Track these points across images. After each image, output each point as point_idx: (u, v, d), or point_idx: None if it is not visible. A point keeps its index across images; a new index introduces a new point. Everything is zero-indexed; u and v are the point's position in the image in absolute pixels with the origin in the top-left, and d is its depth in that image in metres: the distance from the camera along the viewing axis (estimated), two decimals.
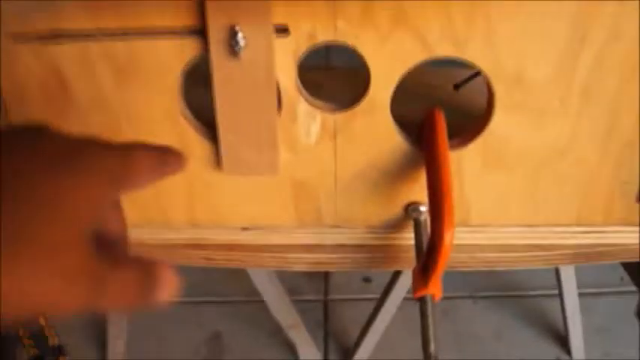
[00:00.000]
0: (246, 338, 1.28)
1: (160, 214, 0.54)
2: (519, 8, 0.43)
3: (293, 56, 0.46)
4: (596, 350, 1.26)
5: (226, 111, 0.48)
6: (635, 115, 0.48)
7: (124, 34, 0.45)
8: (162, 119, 0.49)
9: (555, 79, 0.46)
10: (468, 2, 0.43)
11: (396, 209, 0.54)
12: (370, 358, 1.22)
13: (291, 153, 0.51)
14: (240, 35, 0.43)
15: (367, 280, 1.38)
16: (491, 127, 0.49)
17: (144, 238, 0.55)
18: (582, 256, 0.57)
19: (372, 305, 1.15)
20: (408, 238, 0.55)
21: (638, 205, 0.53)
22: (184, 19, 0.44)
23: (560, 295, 1.22)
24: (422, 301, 0.47)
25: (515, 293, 1.36)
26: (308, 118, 0.49)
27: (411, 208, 0.53)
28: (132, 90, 0.48)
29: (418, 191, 0.53)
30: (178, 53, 0.46)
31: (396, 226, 0.55)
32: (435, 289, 0.47)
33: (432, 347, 0.45)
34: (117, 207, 0.33)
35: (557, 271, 1.20)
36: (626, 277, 1.32)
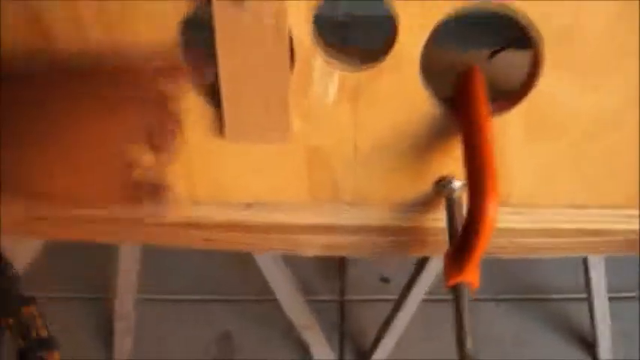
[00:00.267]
0: (258, 338, 1.24)
1: None
2: None
3: (307, 2, 0.41)
4: (624, 357, 1.20)
5: (230, 68, 0.43)
6: None
7: None
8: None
9: (613, 33, 0.42)
10: None
11: (424, 185, 0.49)
12: None
13: (305, 117, 0.46)
14: None
15: (385, 280, 1.33)
16: (538, 89, 0.45)
17: (139, 216, 0.50)
18: (632, 245, 0.52)
19: (390, 306, 1.12)
20: (438, 219, 0.50)
21: None
22: None
23: (589, 299, 1.17)
24: (456, 290, 0.41)
25: (539, 296, 1.30)
26: (325, 77, 0.45)
27: (442, 184, 0.48)
28: (124, 47, 0.43)
29: (451, 164, 0.48)
30: (175, 3, 0.41)
31: (424, 204, 0.50)
32: (471, 275, 0.41)
33: (469, 345, 0.38)
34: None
35: (586, 273, 1.14)
36: None
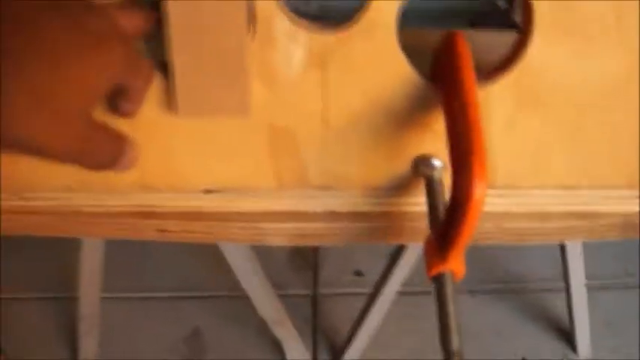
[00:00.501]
0: (230, 336, 1.25)
1: (101, 174, 0.43)
2: None
3: None
4: (603, 346, 1.24)
5: (179, 31, 0.38)
6: None
7: None
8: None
9: None
10: None
11: (402, 165, 0.44)
12: (362, 358, 1.18)
13: (267, 89, 0.42)
14: None
15: (359, 273, 1.35)
16: (528, 57, 0.41)
17: (81, 204, 0.45)
18: (632, 228, 0.48)
19: (364, 300, 1.13)
20: (417, 203, 0.45)
21: None
22: None
23: (567, 289, 1.19)
24: (438, 281, 0.37)
25: (515, 286, 1.33)
26: (289, 41, 0.40)
27: (421, 163, 0.43)
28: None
29: (429, 141, 0.43)
30: None
31: (401, 187, 0.45)
32: (456, 264, 0.37)
33: (455, 343, 0.34)
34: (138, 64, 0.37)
35: (563, 262, 1.16)
36: (632, 269, 1.31)
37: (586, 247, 1.13)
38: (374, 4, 0.39)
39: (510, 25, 0.58)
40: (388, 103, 0.42)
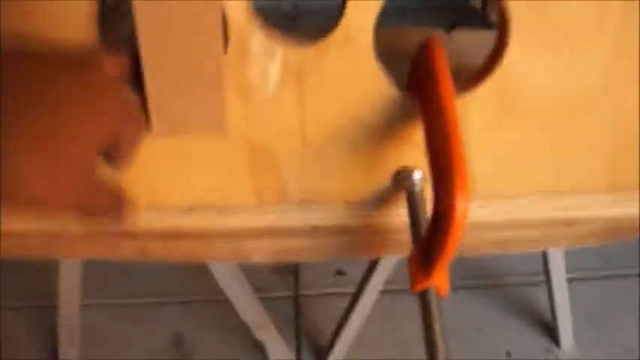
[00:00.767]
0: (212, 340, 1.23)
1: None
2: None
3: None
4: (585, 338, 1.23)
5: (153, 48, 0.37)
6: None
7: None
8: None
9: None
10: None
11: (382, 179, 0.44)
12: (346, 359, 1.16)
13: (244, 105, 0.41)
14: None
15: (341, 273, 1.33)
16: (506, 64, 0.41)
17: (60, 226, 0.45)
18: (613, 232, 0.49)
19: (346, 300, 1.12)
20: (399, 214, 0.45)
21: None
22: None
23: (548, 282, 1.17)
24: (423, 297, 0.36)
25: (497, 281, 1.31)
26: (264, 56, 0.39)
27: (401, 176, 0.42)
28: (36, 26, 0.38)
29: (408, 152, 0.43)
30: None
31: (383, 200, 0.45)
32: (440, 279, 0.36)
33: (442, 358, 0.34)
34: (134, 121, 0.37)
35: (544, 256, 1.15)
36: (614, 261, 1.32)
37: None
38: (350, 12, 0.38)
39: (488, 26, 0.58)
40: (366, 116, 0.42)
